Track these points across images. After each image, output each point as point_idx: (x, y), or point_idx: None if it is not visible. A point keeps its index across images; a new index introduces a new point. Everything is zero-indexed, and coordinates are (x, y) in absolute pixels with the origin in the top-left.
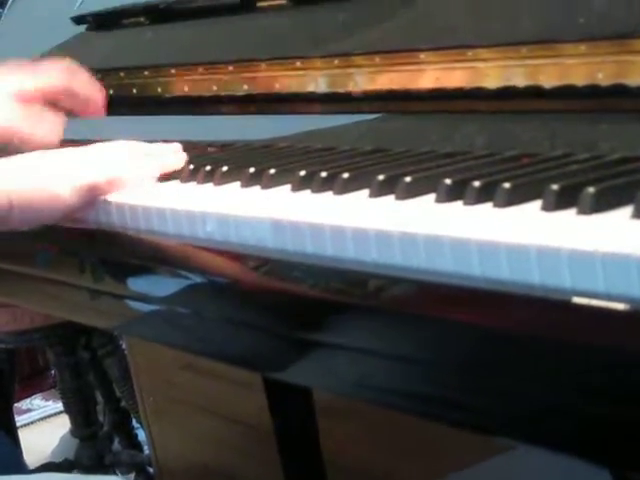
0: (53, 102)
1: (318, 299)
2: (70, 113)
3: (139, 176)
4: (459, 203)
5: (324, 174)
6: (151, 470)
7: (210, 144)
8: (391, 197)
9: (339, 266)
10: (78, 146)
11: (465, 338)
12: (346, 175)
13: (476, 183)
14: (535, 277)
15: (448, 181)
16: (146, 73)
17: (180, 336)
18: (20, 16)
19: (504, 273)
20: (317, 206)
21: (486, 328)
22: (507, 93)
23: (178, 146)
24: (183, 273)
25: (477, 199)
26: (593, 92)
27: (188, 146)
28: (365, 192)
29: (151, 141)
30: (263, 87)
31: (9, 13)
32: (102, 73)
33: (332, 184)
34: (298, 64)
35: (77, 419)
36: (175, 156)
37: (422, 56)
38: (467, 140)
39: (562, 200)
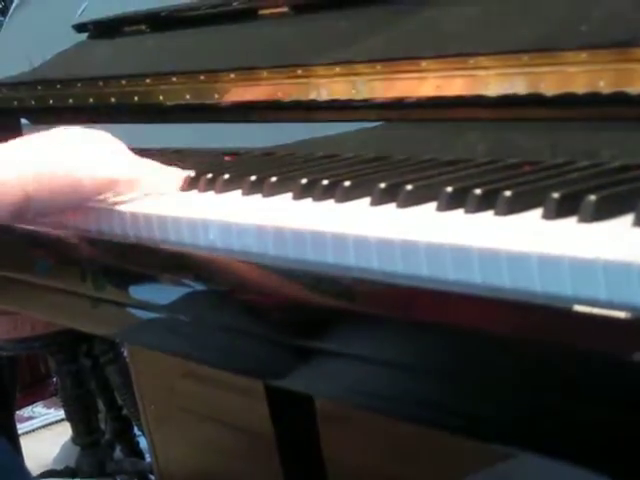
0: None
1: (319, 307)
2: None
3: (159, 182)
4: (460, 211)
5: (325, 182)
6: (153, 478)
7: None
8: (392, 205)
9: (340, 274)
10: None
11: (466, 346)
12: (347, 183)
13: (477, 191)
14: (536, 285)
15: (449, 189)
16: (148, 81)
17: (181, 344)
18: (22, 24)
19: (505, 281)
20: (318, 214)
21: (488, 336)
22: (508, 101)
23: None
24: (184, 281)
25: (478, 207)
26: (594, 100)
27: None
28: (366, 200)
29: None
30: (265, 95)
31: (11, 21)
32: (103, 81)
33: (333, 192)
34: (300, 72)
35: (78, 427)
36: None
37: (423, 64)
38: (468, 148)
39: (563, 208)
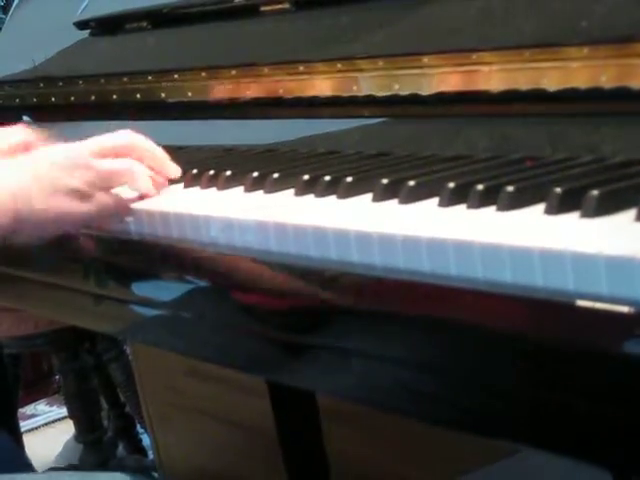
0: None
1: (322, 303)
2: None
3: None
4: (462, 207)
5: (327, 178)
6: (156, 475)
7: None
8: (394, 201)
9: (342, 270)
10: None
11: (469, 341)
12: (349, 179)
13: (479, 187)
14: (538, 280)
15: (451, 185)
16: (149, 78)
17: (184, 341)
18: (23, 22)
19: (507, 276)
20: (320, 210)
21: (489, 331)
22: (510, 96)
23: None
24: (187, 278)
25: (480, 202)
26: (596, 95)
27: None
28: (369, 196)
29: None
30: (266, 91)
31: (12, 19)
32: (105, 78)
33: (336, 188)
34: (301, 68)
35: (81, 424)
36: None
37: (425, 60)
38: (470, 144)
39: (565, 203)
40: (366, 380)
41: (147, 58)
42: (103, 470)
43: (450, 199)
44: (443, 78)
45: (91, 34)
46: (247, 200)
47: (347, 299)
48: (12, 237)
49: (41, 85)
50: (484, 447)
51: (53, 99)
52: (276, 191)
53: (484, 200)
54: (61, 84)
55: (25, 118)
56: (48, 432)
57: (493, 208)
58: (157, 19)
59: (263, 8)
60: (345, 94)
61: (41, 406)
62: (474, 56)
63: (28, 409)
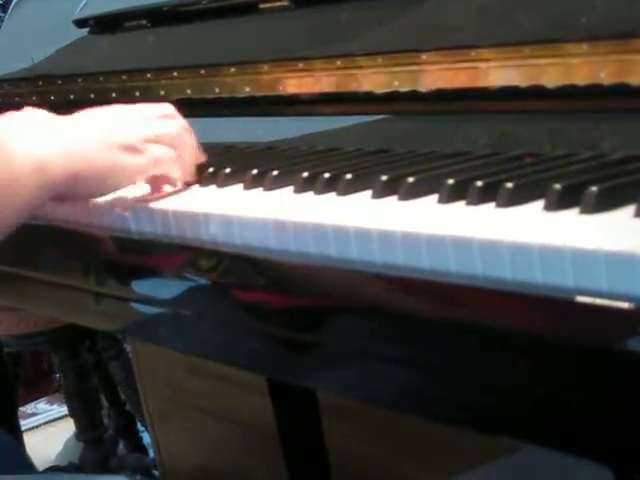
0: None
1: (322, 300)
2: None
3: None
4: (462, 203)
5: (327, 175)
6: (156, 473)
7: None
8: (394, 198)
9: (342, 267)
10: None
11: (468, 338)
12: (349, 176)
13: (478, 183)
14: (538, 276)
15: (451, 181)
16: (149, 76)
17: (184, 339)
18: (22, 20)
19: (507, 273)
20: (320, 207)
21: (489, 327)
22: (509, 93)
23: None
24: (187, 276)
25: (480, 199)
26: (595, 92)
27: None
28: (368, 193)
29: None
30: (266, 89)
31: (11, 17)
32: (104, 76)
33: (335, 185)
34: (301, 65)
35: (82, 423)
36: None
37: (424, 57)
38: (469, 140)
39: (565, 199)
40: (366, 377)
41: (146, 56)
42: (104, 470)
43: (449, 196)
44: (442, 75)
45: (90, 32)
46: (246, 197)
47: (347, 296)
48: (70, 193)
49: (40, 83)
50: (485, 444)
51: (52, 97)
52: (275, 188)
53: (483, 196)
54: (60, 82)
55: None
56: (48, 431)
57: (492, 204)
58: (156, 17)
59: (262, 5)
60: (344, 91)
61: (41, 405)
62: (473, 53)
63: (28, 408)
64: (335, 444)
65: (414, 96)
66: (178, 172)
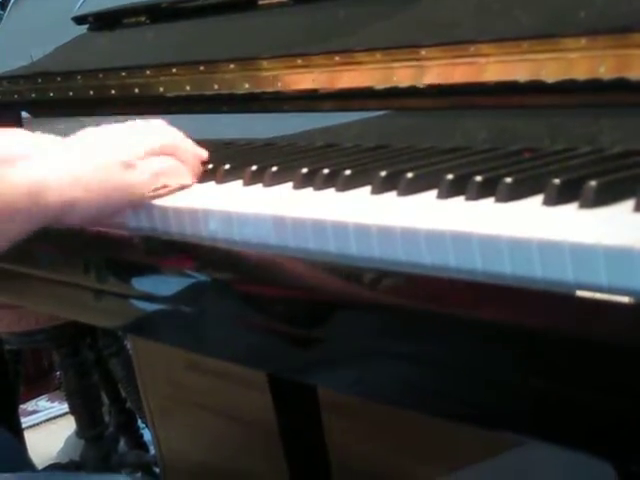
0: None
1: (322, 296)
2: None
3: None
4: (461, 198)
5: (326, 171)
6: (157, 470)
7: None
8: (393, 193)
9: (342, 263)
10: None
11: (469, 333)
12: (348, 172)
13: (478, 178)
14: (537, 271)
15: (450, 176)
16: (148, 72)
17: (185, 335)
18: (21, 17)
19: (506, 267)
20: (319, 203)
21: (489, 323)
22: (508, 88)
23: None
24: (187, 272)
25: (479, 194)
26: (595, 86)
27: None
28: (367, 189)
29: None
30: (265, 85)
31: (10, 14)
32: (104, 73)
33: (334, 181)
34: (300, 62)
35: (83, 420)
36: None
37: (423, 52)
38: (469, 136)
39: (564, 194)
40: (366, 373)
41: (145, 52)
42: (104, 468)
43: (449, 191)
44: (441, 70)
45: (89, 29)
46: (246, 194)
47: (347, 292)
48: (70, 219)
49: (39, 80)
50: (486, 440)
51: (51, 94)
52: (275, 184)
53: (483, 191)
54: (59, 79)
55: (23, 114)
56: (49, 428)
57: (492, 199)
58: (155, 13)
59: (261, 2)
60: (343, 87)
61: (42, 402)
62: (472, 48)
63: (29, 405)
64: (335, 440)
65: (413, 91)
66: (185, 178)
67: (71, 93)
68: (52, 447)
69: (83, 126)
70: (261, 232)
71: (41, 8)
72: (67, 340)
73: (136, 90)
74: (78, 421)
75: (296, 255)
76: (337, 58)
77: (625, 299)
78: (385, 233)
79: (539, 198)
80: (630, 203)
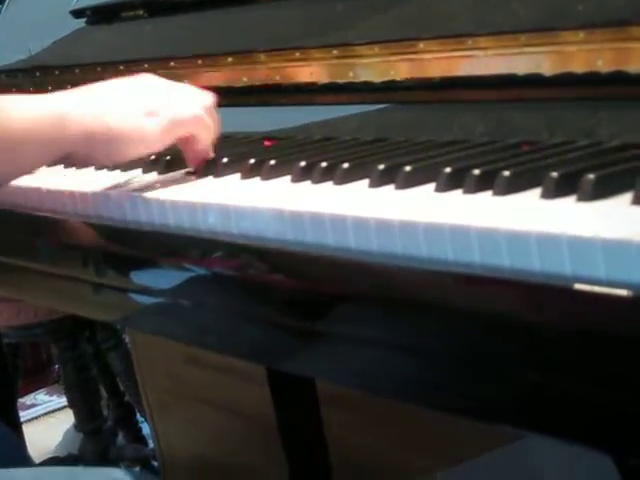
0: None
1: (320, 289)
2: None
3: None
4: (459, 191)
5: (324, 164)
6: (155, 464)
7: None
8: (391, 186)
9: (340, 256)
10: None
11: (468, 326)
12: (346, 165)
13: (476, 171)
14: (535, 264)
15: (448, 170)
16: (145, 66)
17: (183, 329)
18: (19, 10)
19: (504, 261)
20: (317, 196)
21: (488, 316)
22: (506, 81)
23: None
24: (186, 265)
25: (477, 187)
26: (593, 79)
27: None
28: (365, 182)
29: None
30: (263, 78)
31: (8, 8)
32: (101, 66)
33: (332, 174)
34: (298, 55)
35: (81, 414)
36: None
37: (421, 45)
38: (467, 129)
39: (562, 187)
40: (366, 366)
41: (143, 46)
42: (103, 461)
43: (447, 184)
44: (439, 63)
45: (87, 23)
46: (244, 187)
47: (345, 285)
48: (87, 153)
49: (37, 74)
50: (485, 433)
51: (49, 88)
52: (273, 178)
53: (480, 185)
54: (57, 73)
55: None
56: (48, 422)
57: (489, 193)
58: (153, 7)
59: None
60: (341, 80)
61: (41, 396)
62: (470, 41)
63: (28, 399)
64: (334, 434)
65: (411, 85)
66: (206, 133)
67: (69, 87)
68: (50, 441)
69: None
70: (259, 225)
71: (39, 1)
72: (66, 334)
73: None
74: (77, 415)
75: (294, 248)
76: (335, 51)
77: (623, 292)
78: (383, 226)
79: (537, 191)
80: (628, 196)
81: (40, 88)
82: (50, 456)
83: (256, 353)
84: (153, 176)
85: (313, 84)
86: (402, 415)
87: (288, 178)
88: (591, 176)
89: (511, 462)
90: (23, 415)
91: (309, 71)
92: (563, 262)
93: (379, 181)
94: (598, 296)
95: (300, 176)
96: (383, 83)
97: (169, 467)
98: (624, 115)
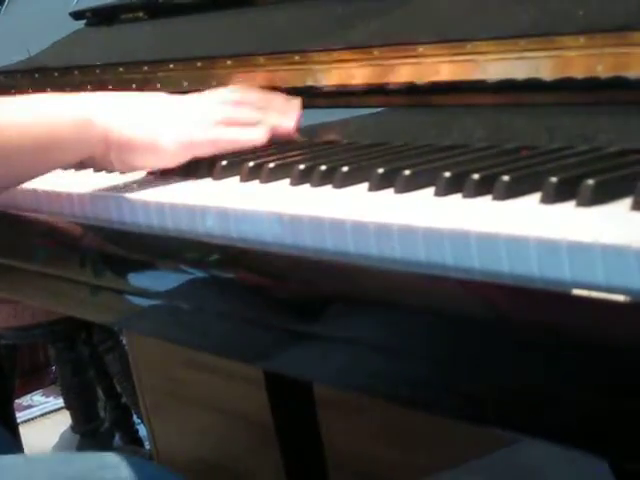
0: None
1: (318, 293)
2: None
3: (243, 141)
4: (458, 196)
5: (323, 168)
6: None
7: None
8: (390, 190)
9: (339, 259)
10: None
11: (466, 330)
12: (345, 169)
13: (475, 176)
14: (534, 269)
15: (447, 174)
16: (145, 68)
17: (180, 331)
18: (19, 12)
19: (503, 266)
20: (316, 200)
21: (486, 320)
22: (506, 86)
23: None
24: (183, 268)
25: (476, 192)
26: (592, 85)
27: None
28: (364, 186)
29: None
30: (262, 81)
31: (8, 9)
32: (101, 68)
33: (331, 178)
34: (297, 58)
35: (78, 415)
36: (289, 118)
37: (421, 49)
38: (466, 133)
39: (561, 192)
40: (364, 370)
41: (143, 48)
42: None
43: (446, 188)
44: (439, 68)
45: (87, 24)
46: (243, 190)
47: (344, 289)
48: (100, 162)
49: (37, 75)
50: (482, 436)
51: (49, 89)
52: (272, 181)
53: (480, 189)
54: (57, 74)
55: None
56: (44, 423)
57: (489, 197)
58: (153, 9)
59: None
60: (341, 84)
61: (37, 397)
62: (470, 46)
63: (24, 400)
64: (330, 436)
65: (411, 89)
66: (231, 144)
67: (68, 88)
68: (47, 442)
69: None
70: (258, 229)
71: (39, 3)
72: (63, 335)
73: (133, 86)
74: (73, 416)
75: (293, 252)
76: (335, 55)
77: (622, 298)
78: (382, 230)
79: (537, 196)
80: (627, 201)
81: (39, 89)
82: None
83: (253, 356)
84: (152, 178)
85: (313, 87)
86: (399, 418)
87: (287, 181)
88: (590, 181)
89: (508, 466)
90: (20, 416)
91: (308, 74)
92: (562, 267)
93: (378, 185)
94: (597, 302)
95: (299, 179)
96: (382, 87)
97: (166, 468)
98: (624, 120)
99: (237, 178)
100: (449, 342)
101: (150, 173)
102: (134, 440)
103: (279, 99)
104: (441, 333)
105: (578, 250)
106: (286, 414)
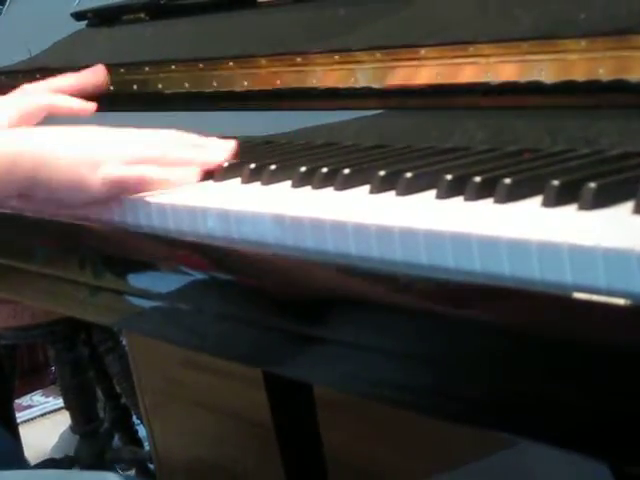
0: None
1: (318, 294)
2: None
3: (174, 181)
4: (460, 199)
5: (325, 170)
6: (151, 466)
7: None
8: (392, 193)
9: (339, 261)
10: None
11: (466, 334)
12: (347, 171)
13: (477, 179)
14: (536, 273)
15: (449, 177)
16: (146, 69)
17: (180, 332)
18: (20, 12)
19: (505, 269)
20: (318, 202)
21: (487, 324)
22: (508, 89)
23: (232, 145)
24: (183, 269)
25: (478, 195)
26: (594, 88)
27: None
28: (366, 188)
29: None
30: (264, 83)
31: (9, 10)
32: None
33: (333, 180)
34: (299, 60)
35: (77, 415)
36: (221, 154)
37: (423, 52)
38: (468, 136)
39: (563, 196)
40: (363, 372)
41: (144, 49)
42: (99, 463)
43: (447, 191)
44: (440, 70)
45: (88, 25)
46: (244, 192)
47: (344, 291)
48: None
49: (38, 76)
50: (482, 439)
51: None
52: (273, 183)
53: (481, 192)
54: (58, 75)
55: None
56: (44, 423)
57: (490, 200)
58: (154, 10)
59: None
60: (343, 86)
61: (37, 397)
62: (472, 48)
63: (24, 400)
64: (331, 438)
65: (412, 91)
66: (159, 184)
67: None
68: (47, 442)
69: (80, 122)
70: (259, 230)
71: (40, 3)
72: (63, 336)
73: (135, 87)
74: (73, 416)
75: (294, 254)
76: (336, 57)
77: (623, 301)
78: (384, 233)
79: (538, 199)
80: (629, 205)
81: None
82: (46, 458)
83: (253, 357)
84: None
85: (314, 89)
86: (399, 420)
87: (289, 183)
88: (592, 185)
89: (507, 468)
90: (19, 416)
91: (310, 76)
92: (564, 271)
93: (380, 187)
94: (598, 305)
95: (301, 181)
96: (384, 89)
97: (165, 470)
98: (625, 123)
99: (238, 180)
100: (448, 346)
101: None
102: (133, 440)
103: (215, 141)
104: (441, 337)
105: (579, 253)
106: (286, 414)
